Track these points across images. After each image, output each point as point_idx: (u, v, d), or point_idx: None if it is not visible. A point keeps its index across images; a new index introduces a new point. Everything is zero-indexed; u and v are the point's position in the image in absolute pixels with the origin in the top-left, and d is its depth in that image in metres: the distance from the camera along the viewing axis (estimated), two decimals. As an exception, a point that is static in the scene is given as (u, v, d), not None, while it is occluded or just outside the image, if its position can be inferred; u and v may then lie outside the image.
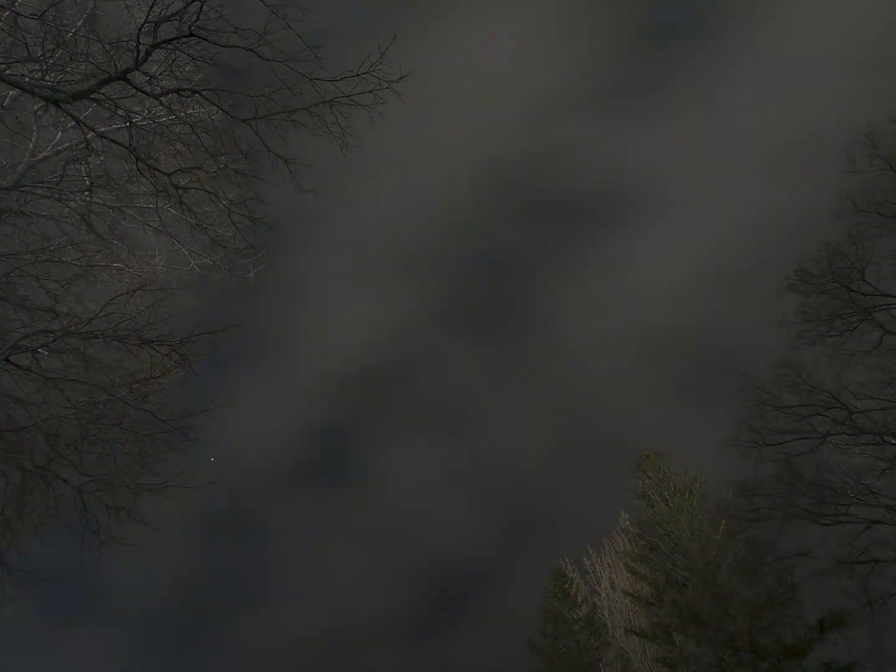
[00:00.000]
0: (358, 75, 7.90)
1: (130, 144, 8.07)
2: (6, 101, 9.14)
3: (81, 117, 8.56)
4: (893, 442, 14.43)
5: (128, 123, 8.03)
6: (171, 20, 7.30)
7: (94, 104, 8.47)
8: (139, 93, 7.90)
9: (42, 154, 10.00)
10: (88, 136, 8.54)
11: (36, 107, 9.54)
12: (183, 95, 8.19)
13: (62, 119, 9.75)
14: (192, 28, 7.34)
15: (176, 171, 8.74)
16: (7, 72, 7.44)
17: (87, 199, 9.67)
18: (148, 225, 10.53)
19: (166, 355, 9.09)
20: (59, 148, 10.12)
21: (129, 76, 7.42)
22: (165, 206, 9.67)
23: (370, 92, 8.05)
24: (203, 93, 8.18)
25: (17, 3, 7.94)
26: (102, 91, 7.56)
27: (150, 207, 10.19)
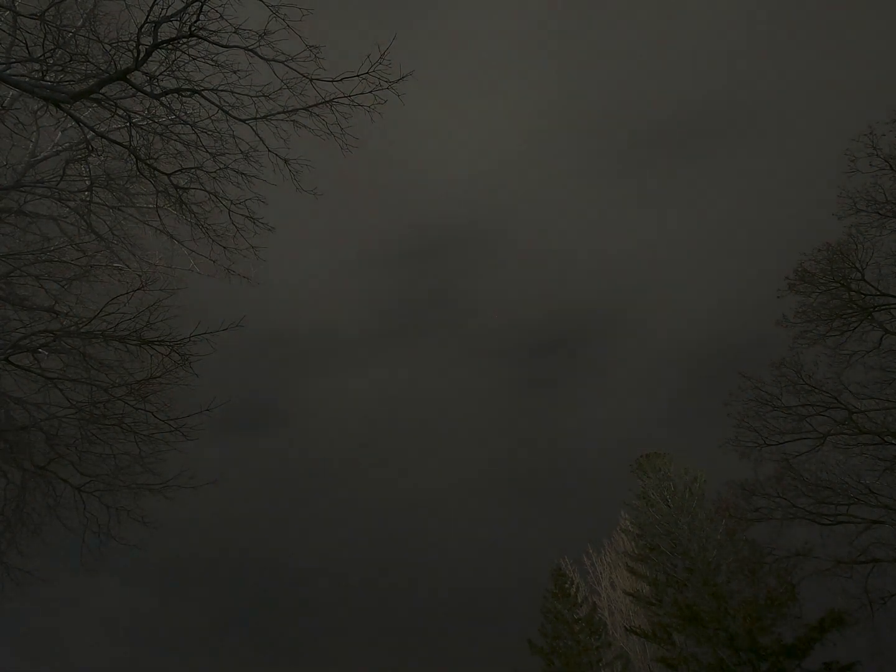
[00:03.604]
0: (358, 75, 7.91)
1: (130, 144, 8.07)
2: (6, 101, 9.14)
3: (81, 117, 8.56)
4: (893, 442, 14.42)
5: (128, 123, 8.03)
6: (171, 20, 7.30)
7: (94, 104, 8.46)
8: (139, 93, 7.89)
9: (42, 154, 10.01)
10: (88, 136, 8.55)
11: (36, 107, 9.55)
12: (183, 95, 8.18)
13: (62, 119, 9.75)
14: (192, 28, 7.34)
15: (176, 171, 8.75)
16: (7, 72, 7.44)
17: (87, 199, 9.67)
18: (148, 225, 10.53)
19: (166, 355, 9.06)
20: (59, 148, 10.13)
21: (129, 76, 7.42)
22: (165, 206, 9.67)
23: (370, 92, 8.06)
24: (203, 93, 8.18)
25: (17, 3, 7.94)
26: (102, 91, 7.56)
27: (150, 207, 10.19)
